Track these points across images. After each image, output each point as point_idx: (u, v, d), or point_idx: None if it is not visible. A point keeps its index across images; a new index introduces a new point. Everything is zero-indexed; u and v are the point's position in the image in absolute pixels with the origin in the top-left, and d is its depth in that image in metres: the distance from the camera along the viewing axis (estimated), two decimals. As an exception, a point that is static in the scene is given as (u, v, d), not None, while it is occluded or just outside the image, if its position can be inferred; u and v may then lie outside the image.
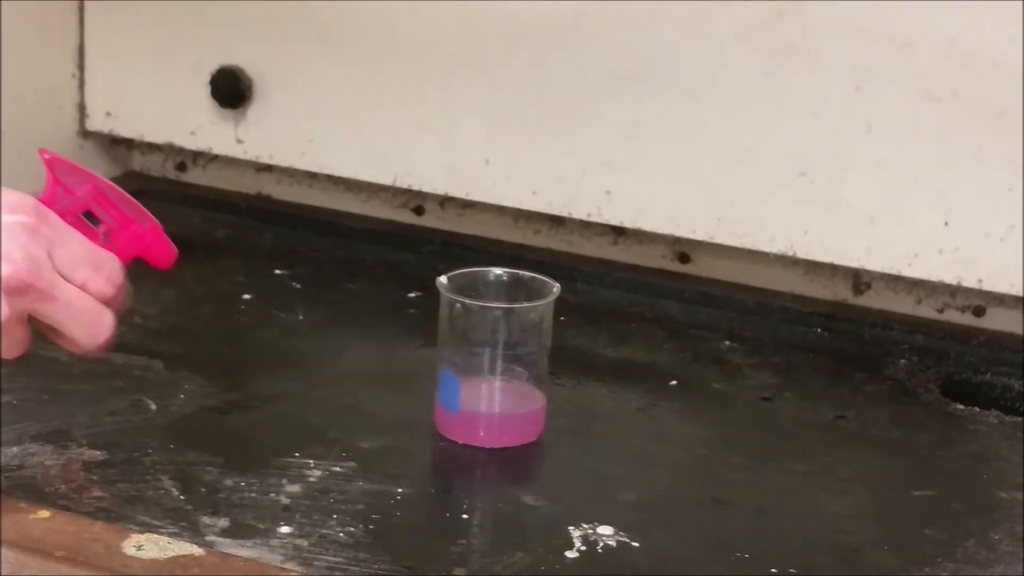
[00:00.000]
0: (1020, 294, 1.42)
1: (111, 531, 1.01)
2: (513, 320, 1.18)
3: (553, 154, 1.53)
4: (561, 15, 1.50)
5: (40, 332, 0.98)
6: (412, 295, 1.47)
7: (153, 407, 1.20)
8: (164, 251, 1.05)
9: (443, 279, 1.19)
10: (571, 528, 1.07)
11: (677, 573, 1.04)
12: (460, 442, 1.18)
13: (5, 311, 0.91)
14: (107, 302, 0.98)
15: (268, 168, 1.68)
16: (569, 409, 1.26)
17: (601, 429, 1.25)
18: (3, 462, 1.09)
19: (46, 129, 1.66)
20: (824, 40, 1.42)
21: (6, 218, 0.91)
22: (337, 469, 1.13)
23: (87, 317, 0.96)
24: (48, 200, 0.97)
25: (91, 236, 0.98)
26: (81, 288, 0.96)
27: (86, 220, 1.00)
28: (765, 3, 1.43)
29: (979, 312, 1.47)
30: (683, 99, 1.48)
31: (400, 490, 1.11)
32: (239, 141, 1.65)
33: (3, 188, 0.93)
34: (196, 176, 1.72)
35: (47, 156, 1.00)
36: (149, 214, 1.04)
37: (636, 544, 1.06)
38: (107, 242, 0.99)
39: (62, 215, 0.97)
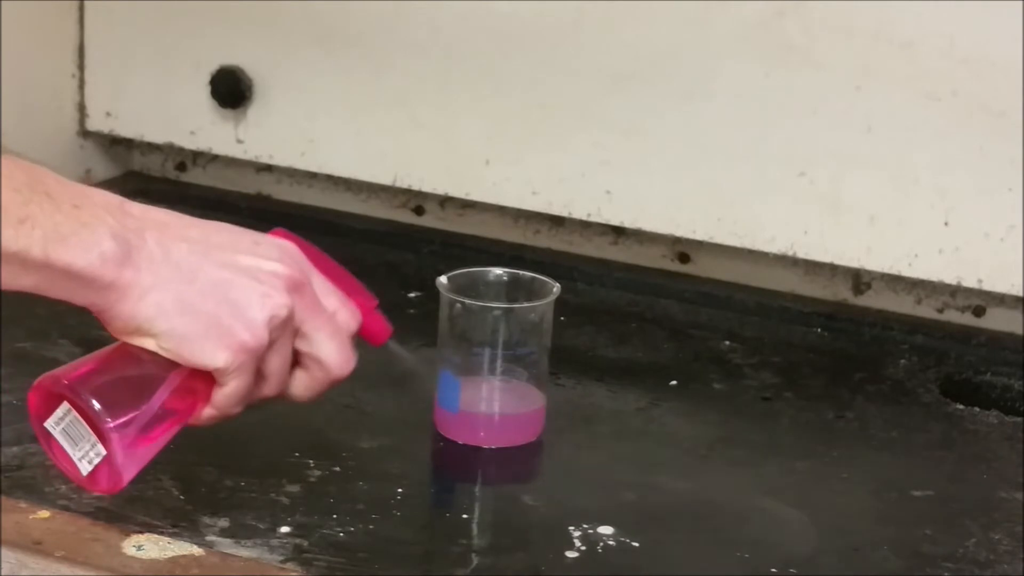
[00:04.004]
0: (1020, 294, 1.42)
1: (111, 531, 1.01)
2: (513, 320, 1.18)
3: (553, 154, 1.53)
4: (561, 15, 1.50)
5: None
6: (412, 295, 1.47)
7: (153, 407, 1.20)
8: (380, 328, 1.08)
9: (443, 279, 1.19)
10: (571, 528, 1.07)
11: (677, 573, 1.04)
12: (460, 442, 1.18)
13: (287, 303, 0.95)
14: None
15: (268, 168, 1.68)
16: (569, 409, 1.26)
17: (601, 429, 1.25)
18: (3, 462, 1.09)
19: (46, 129, 1.66)
20: (824, 40, 1.42)
21: (279, 241, 0.99)
22: (337, 469, 1.13)
23: (343, 338, 1.00)
24: None
25: None
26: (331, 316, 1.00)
27: None
28: (765, 3, 1.43)
29: (979, 312, 1.47)
30: (683, 99, 1.48)
31: (400, 490, 1.11)
32: (239, 141, 1.65)
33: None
34: (196, 176, 1.72)
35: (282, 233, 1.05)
36: (368, 292, 1.07)
37: (636, 544, 1.06)
38: None
39: None
